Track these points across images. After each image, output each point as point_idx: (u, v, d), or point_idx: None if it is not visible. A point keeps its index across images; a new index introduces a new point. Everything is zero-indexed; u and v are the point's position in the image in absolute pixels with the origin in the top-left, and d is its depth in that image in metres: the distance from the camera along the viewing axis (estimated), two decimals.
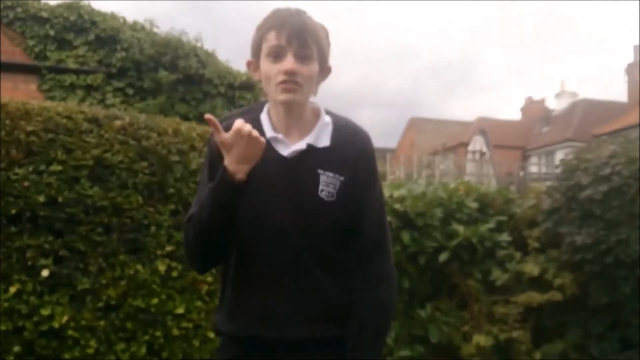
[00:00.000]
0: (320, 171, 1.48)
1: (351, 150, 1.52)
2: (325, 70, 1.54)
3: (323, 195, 1.46)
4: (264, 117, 1.54)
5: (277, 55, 1.45)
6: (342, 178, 1.48)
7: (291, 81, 1.44)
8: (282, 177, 1.47)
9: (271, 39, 1.45)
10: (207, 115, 1.36)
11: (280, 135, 1.50)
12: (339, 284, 1.49)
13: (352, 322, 1.48)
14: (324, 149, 1.50)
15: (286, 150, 1.49)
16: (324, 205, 1.46)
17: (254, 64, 1.53)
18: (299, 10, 1.49)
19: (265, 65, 1.47)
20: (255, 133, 1.36)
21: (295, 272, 1.46)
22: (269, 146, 1.48)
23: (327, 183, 1.47)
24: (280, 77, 1.44)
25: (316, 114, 1.55)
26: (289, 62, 1.43)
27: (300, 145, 1.49)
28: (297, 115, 1.51)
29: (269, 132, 1.50)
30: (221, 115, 1.62)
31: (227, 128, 1.49)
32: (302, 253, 1.45)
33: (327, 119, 1.55)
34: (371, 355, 1.47)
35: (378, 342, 1.51)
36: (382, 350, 1.53)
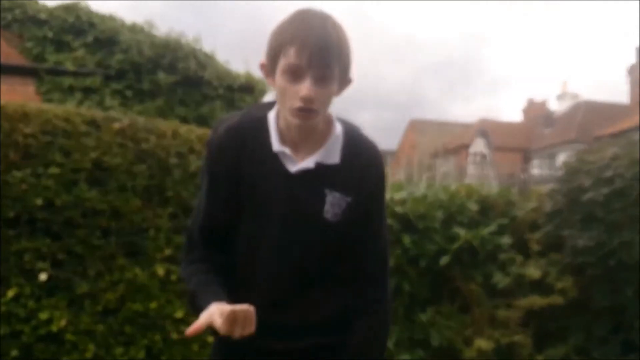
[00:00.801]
0: (327, 191, 1.43)
1: (359, 168, 1.46)
2: (344, 83, 1.45)
3: (328, 215, 1.43)
4: (271, 121, 1.47)
5: (294, 74, 1.35)
6: (348, 199, 1.44)
7: (307, 108, 1.36)
8: (287, 194, 1.43)
9: (290, 56, 1.34)
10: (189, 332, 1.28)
11: (287, 150, 1.43)
12: (337, 296, 1.49)
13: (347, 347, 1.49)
14: (333, 167, 1.45)
15: (293, 166, 1.43)
16: (329, 225, 1.43)
17: (267, 68, 1.43)
18: (325, 19, 1.38)
19: (281, 81, 1.37)
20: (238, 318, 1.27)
21: (293, 284, 1.46)
22: (275, 160, 1.44)
23: (333, 203, 1.43)
24: (296, 103, 1.35)
25: (328, 123, 1.48)
26: (306, 88, 1.34)
27: (308, 163, 1.43)
28: (309, 131, 1.44)
29: (276, 145, 1.44)
30: (220, 118, 1.59)
31: (229, 131, 1.47)
32: (303, 267, 1.44)
33: (338, 130, 1.48)
34: None
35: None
36: None
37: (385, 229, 1.55)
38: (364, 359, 1.48)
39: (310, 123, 1.40)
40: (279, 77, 1.38)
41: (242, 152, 1.45)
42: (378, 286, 1.51)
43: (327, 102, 1.40)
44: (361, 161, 1.47)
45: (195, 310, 1.35)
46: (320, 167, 1.44)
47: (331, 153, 1.45)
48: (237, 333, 1.27)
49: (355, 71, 1.50)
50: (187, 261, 1.50)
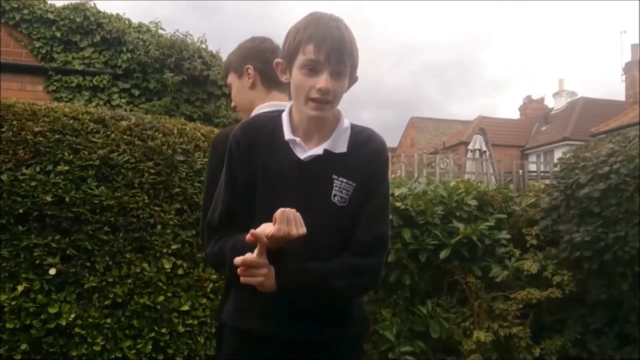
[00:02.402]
0: (334, 177, 1.50)
1: (364, 156, 1.54)
2: (352, 80, 1.55)
3: (336, 200, 1.50)
4: (284, 116, 1.56)
5: (312, 69, 1.45)
6: (354, 184, 1.51)
7: (323, 99, 1.46)
8: (297, 180, 1.50)
9: (309, 52, 1.45)
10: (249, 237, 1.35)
11: (298, 139, 1.52)
12: None
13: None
14: (340, 155, 1.53)
15: (303, 153, 1.51)
16: (336, 209, 1.50)
17: (282, 66, 1.54)
18: (338, 21, 1.48)
19: (298, 75, 1.48)
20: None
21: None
22: (286, 148, 1.52)
23: (341, 188, 1.50)
24: (314, 94, 1.46)
25: (336, 117, 1.57)
26: (324, 80, 1.45)
27: (317, 150, 1.51)
28: (320, 123, 1.53)
29: (287, 134, 1.53)
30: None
31: (244, 125, 1.56)
32: (311, 253, 1.48)
33: (346, 123, 1.57)
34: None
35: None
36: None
37: (387, 212, 1.58)
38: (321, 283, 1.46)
39: (324, 113, 1.48)
40: (296, 72, 1.48)
41: (255, 143, 1.53)
42: (368, 257, 1.50)
43: (340, 95, 1.50)
44: (366, 151, 1.54)
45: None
46: (328, 155, 1.51)
47: (339, 143, 1.53)
48: (294, 231, 1.33)
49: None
50: (211, 245, 1.55)
